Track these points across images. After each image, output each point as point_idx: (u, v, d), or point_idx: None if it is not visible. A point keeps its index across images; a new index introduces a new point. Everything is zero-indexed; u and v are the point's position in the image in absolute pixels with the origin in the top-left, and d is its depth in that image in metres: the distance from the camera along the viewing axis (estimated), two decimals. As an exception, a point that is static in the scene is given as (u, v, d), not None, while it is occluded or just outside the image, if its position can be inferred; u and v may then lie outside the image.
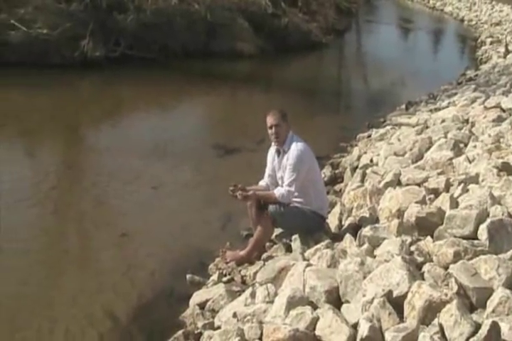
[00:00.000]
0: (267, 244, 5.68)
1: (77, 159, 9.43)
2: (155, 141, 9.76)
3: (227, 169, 8.35)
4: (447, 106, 10.24)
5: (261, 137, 8.50)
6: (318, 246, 4.98)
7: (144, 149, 9.27)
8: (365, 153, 8.29)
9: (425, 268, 3.96)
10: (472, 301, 3.59)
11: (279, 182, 5.48)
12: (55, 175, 8.36)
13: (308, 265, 4.48)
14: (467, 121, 8.27)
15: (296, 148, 5.24)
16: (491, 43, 21.65)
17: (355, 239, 4.93)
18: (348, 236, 5.05)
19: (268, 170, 5.63)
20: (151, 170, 8.35)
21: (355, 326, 3.57)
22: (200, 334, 4.34)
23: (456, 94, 12.07)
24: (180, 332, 4.44)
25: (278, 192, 5.31)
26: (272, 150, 5.56)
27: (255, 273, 5.05)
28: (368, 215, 5.43)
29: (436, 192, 5.43)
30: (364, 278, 3.97)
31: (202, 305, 4.81)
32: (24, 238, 6.18)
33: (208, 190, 7.62)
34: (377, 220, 5.31)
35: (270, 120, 5.28)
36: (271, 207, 5.32)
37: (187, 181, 8.02)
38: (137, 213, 6.96)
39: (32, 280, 5.40)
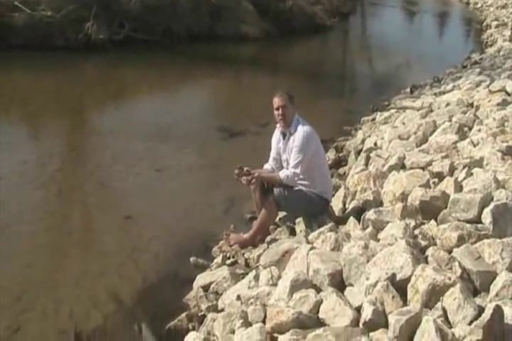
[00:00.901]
0: (271, 227, 5.67)
1: (81, 142, 9.41)
2: (159, 124, 9.72)
3: (231, 152, 8.32)
4: (452, 90, 10.17)
5: (265, 120, 8.48)
6: (321, 229, 4.96)
7: (148, 132, 9.24)
8: (369, 136, 8.25)
9: (429, 251, 3.95)
10: (476, 285, 3.57)
11: (284, 165, 5.46)
12: (59, 157, 8.35)
13: (312, 248, 4.47)
14: (472, 104, 8.20)
15: (302, 130, 5.21)
16: (497, 26, 21.43)
17: (359, 223, 4.92)
18: (351, 219, 5.04)
19: (273, 154, 5.60)
20: (155, 153, 8.33)
21: (358, 309, 3.57)
22: (204, 316, 4.34)
23: (460, 77, 11.98)
24: (183, 314, 4.45)
25: (283, 173, 5.29)
26: (277, 133, 5.53)
27: (259, 256, 5.04)
28: (371, 199, 5.41)
29: (440, 176, 5.40)
30: (368, 261, 3.96)
31: (206, 288, 4.81)
32: (28, 220, 6.19)
33: (211, 173, 7.61)
34: (381, 204, 5.29)
35: (277, 101, 5.24)
36: (275, 191, 5.30)
37: (191, 164, 8.00)
38: (141, 196, 6.96)
39: (36, 262, 5.41)
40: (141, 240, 5.88)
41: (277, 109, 5.25)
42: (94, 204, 6.86)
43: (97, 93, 12.11)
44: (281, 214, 5.72)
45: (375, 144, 7.64)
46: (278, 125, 5.45)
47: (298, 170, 5.23)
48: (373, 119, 9.70)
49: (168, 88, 12.95)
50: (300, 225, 5.40)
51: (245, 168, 5.35)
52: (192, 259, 5.39)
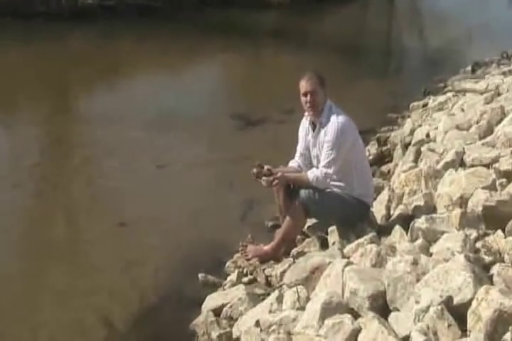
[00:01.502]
0: (298, 237, 5.67)
1: (65, 130, 9.48)
2: (161, 110, 9.77)
3: (248, 144, 8.35)
4: (525, 69, 10.11)
5: (290, 106, 8.47)
6: (360, 240, 4.96)
7: (147, 119, 9.30)
8: (420, 126, 8.24)
9: (494, 269, 3.92)
10: (554, 312, 3.55)
11: (314, 162, 5.45)
12: (38, 149, 8.43)
13: (349, 263, 4.47)
14: (550, 86, 8.16)
15: (335, 120, 5.19)
16: None
17: (407, 233, 4.90)
18: (397, 228, 5.02)
19: (300, 148, 5.60)
20: (156, 145, 8.37)
21: (406, 339, 3.56)
22: (215, 346, 4.37)
23: (536, 53, 11.90)
24: (190, 343, 4.48)
25: (312, 174, 5.27)
26: (306, 123, 5.52)
27: (283, 273, 5.05)
28: (422, 203, 5.39)
29: (509, 176, 5.37)
30: (417, 280, 3.95)
31: (217, 312, 4.82)
32: (1, 227, 6.24)
33: (225, 170, 7.62)
34: (434, 209, 5.26)
35: (305, 85, 5.23)
36: (303, 193, 5.28)
37: (200, 159, 8.03)
38: (138, 198, 6.99)
39: (9, 278, 5.44)
40: (138, 252, 5.89)
41: (305, 94, 5.24)
42: (82, 207, 6.91)
43: (85, 71, 12.16)
44: (311, 221, 5.72)
45: (428, 136, 7.62)
46: (306, 113, 5.45)
47: (330, 170, 5.21)
48: (425, 105, 9.68)
49: (172, 65, 12.99)
50: (333, 235, 5.39)
51: (265, 167, 5.32)
52: (200, 276, 5.40)
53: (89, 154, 8.23)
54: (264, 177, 5.25)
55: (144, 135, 8.67)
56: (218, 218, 6.50)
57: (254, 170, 5.30)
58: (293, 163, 5.65)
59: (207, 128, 9.07)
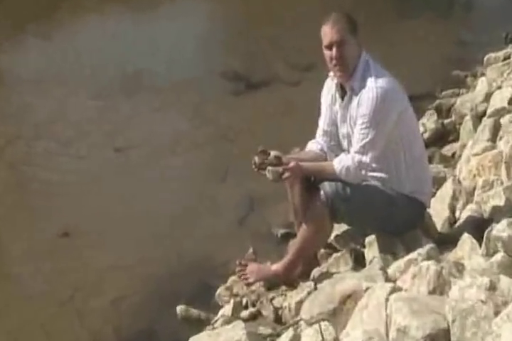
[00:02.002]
0: (321, 251, 5.70)
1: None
2: (122, 66, 9.80)
3: (249, 116, 8.34)
4: None
5: (309, 60, 8.48)
6: (412, 255, 4.94)
7: (103, 80, 9.31)
8: (500, 88, 8.21)
9: None
10: None
11: (344, 144, 5.40)
12: None
13: (395, 289, 4.46)
14: None
15: (373, 85, 5.08)
16: None
17: (480, 244, 4.89)
18: (466, 237, 5.01)
19: (323, 123, 5.53)
20: (115, 119, 8.37)
21: None
22: None
23: None
24: None
25: (340, 164, 5.17)
26: (331, 87, 5.44)
27: (299, 304, 5.05)
28: (503, 201, 5.38)
29: None
30: (496, 313, 3.93)
31: (205, 360, 4.85)
32: None
33: (216, 153, 7.65)
34: (520, 210, 5.27)
35: (329, 33, 5.11)
36: (327, 186, 5.22)
37: (180, 137, 8.03)
38: (89, 196, 7.01)
39: None
40: (88, 273, 5.91)
41: (329, 47, 5.12)
42: (5, 209, 6.88)
43: (11, 10, 12.15)
44: (339, 228, 5.72)
45: (510, 103, 7.60)
46: (331, 73, 5.40)
47: (367, 158, 5.11)
48: (507, 58, 9.65)
49: (139, 2, 12.97)
50: (372, 248, 5.39)
51: (272, 153, 5.23)
52: (180, 309, 5.42)
53: (13, 131, 8.24)
54: (269, 168, 5.13)
55: (95, 103, 8.67)
56: (206, 224, 6.50)
57: (256, 158, 5.15)
58: (313, 145, 5.58)
59: (190, 93, 9.06)
